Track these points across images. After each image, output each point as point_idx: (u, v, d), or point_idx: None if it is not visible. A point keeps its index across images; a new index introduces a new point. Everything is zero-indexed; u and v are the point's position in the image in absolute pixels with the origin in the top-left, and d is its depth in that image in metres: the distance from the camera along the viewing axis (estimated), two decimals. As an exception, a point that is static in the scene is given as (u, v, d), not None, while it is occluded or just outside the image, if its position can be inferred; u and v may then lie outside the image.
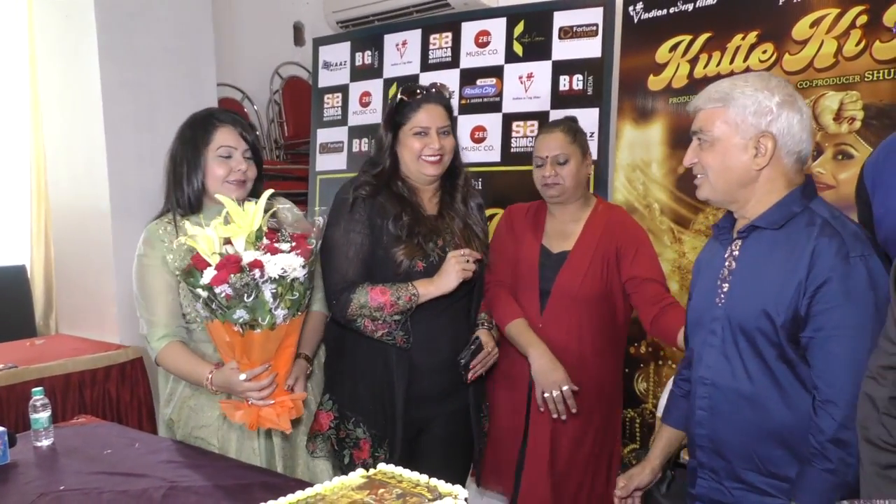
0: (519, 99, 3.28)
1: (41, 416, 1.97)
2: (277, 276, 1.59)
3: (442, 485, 1.30)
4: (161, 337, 1.88)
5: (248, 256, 1.59)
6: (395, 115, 2.05)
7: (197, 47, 3.53)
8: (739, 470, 1.47)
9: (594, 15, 3.13)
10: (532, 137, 3.20)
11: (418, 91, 2.04)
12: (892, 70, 2.37)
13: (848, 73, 2.45)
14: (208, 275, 1.58)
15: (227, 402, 1.81)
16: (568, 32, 3.19)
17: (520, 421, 2.33)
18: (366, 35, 3.80)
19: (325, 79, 3.87)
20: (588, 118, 3.05)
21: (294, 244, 1.67)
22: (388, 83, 3.64)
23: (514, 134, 3.28)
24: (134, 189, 3.27)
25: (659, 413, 2.05)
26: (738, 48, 2.66)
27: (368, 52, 3.72)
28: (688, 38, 2.79)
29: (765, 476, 1.44)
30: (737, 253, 1.48)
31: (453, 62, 3.44)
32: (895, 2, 2.36)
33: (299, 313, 1.71)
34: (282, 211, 1.95)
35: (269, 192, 1.71)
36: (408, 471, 1.38)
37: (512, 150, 3.28)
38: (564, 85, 3.18)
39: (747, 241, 1.46)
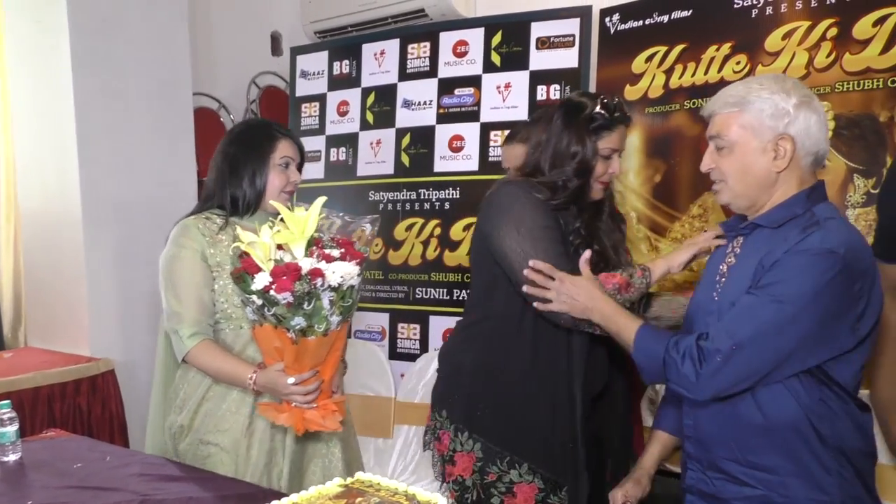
0: (497, 108, 3.29)
1: (8, 430, 1.91)
2: (336, 285, 1.60)
3: (421, 492, 1.29)
4: (193, 334, 1.82)
5: (305, 264, 1.59)
6: (588, 125, 1.77)
7: (173, 55, 3.49)
8: (719, 460, 1.46)
9: (571, 26, 3.15)
10: (510, 147, 3.21)
11: (616, 109, 1.79)
12: (862, 81, 2.42)
13: (819, 84, 2.49)
14: (261, 280, 1.58)
15: (268, 404, 1.78)
16: (545, 43, 3.21)
17: None
18: (344, 44, 3.80)
19: (303, 88, 3.86)
20: (565, 128, 3.07)
21: (343, 250, 1.66)
22: (365, 92, 3.64)
23: (491, 143, 3.29)
24: (107, 197, 3.22)
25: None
26: (712, 59, 2.70)
27: (346, 62, 3.72)
28: (663, 49, 2.83)
29: (743, 466, 1.43)
30: (738, 250, 1.49)
31: (431, 72, 3.45)
32: (864, 15, 2.41)
33: (348, 319, 1.72)
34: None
35: (323, 199, 1.68)
36: (386, 479, 1.36)
37: (490, 159, 3.29)
38: (542, 94, 3.20)
39: (748, 238, 1.46)
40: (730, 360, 1.32)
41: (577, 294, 1.58)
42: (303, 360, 1.68)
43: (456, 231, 3.33)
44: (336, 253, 1.65)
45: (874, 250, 1.50)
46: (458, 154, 3.37)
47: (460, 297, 3.27)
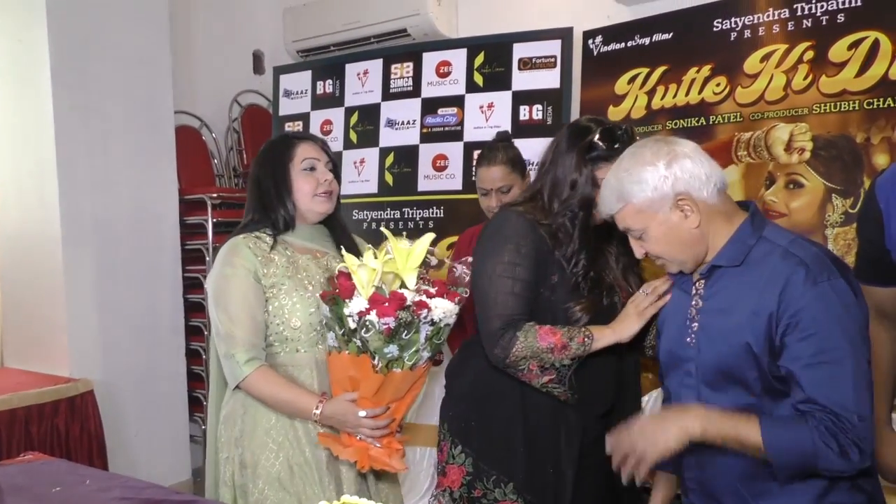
0: (480, 128, 3.32)
1: (-15, 453, 1.88)
2: (438, 320, 1.57)
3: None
4: (250, 360, 1.72)
5: (409, 296, 1.56)
6: (586, 154, 1.69)
7: (154, 74, 3.49)
8: None
9: (553, 47, 3.20)
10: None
11: (618, 140, 1.69)
12: (838, 103, 2.47)
13: (797, 106, 2.54)
14: (357, 304, 1.54)
15: (328, 435, 1.70)
16: (527, 63, 3.25)
17: None
18: (327, 64, 3.81)
19: (286, 107, 3.86)
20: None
21: (437, 289, 1.62)
22: (349, 112, 3.65)
23: (475, 162, 3.30)
24: (87, 216, 3.19)
25: None
26: (693, 81, 2.74)
27: (329, 81, 3.73)
28: (645, 70, 2.88)
29: None
30: (702, 292, 1.45)
31: (414, 91, 3.47)
32: (839, 38, 2.47)
33: (434, 357, 1.67)
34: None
35: (431, 235, 1.64)
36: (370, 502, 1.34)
37: (473, 178, 3.29)
38: (524, 114, 3.23)
39: (710, 280, 1.44)
40: (866, 430, 1.29)
41: (642, 440, 1.41)
42: (383, 394, 1.61)
43: (440, 250, 3.32)
44: (433, 290, 1.61)
45: (856, 272, 1.51)
46: (441, 173, 3.38)
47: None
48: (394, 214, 3.43)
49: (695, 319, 1.45)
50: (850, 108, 2.44)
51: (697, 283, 1.47)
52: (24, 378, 3.04)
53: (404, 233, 1.70)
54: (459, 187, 3.33)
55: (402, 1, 3.61)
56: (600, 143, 1.68)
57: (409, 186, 3.44)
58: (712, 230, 1.40)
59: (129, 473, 2.65)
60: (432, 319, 1.56)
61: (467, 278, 1.69)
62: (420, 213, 3.41)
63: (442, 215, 3.36)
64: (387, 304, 1.53)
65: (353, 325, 1.54)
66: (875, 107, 2.40)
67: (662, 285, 1.60)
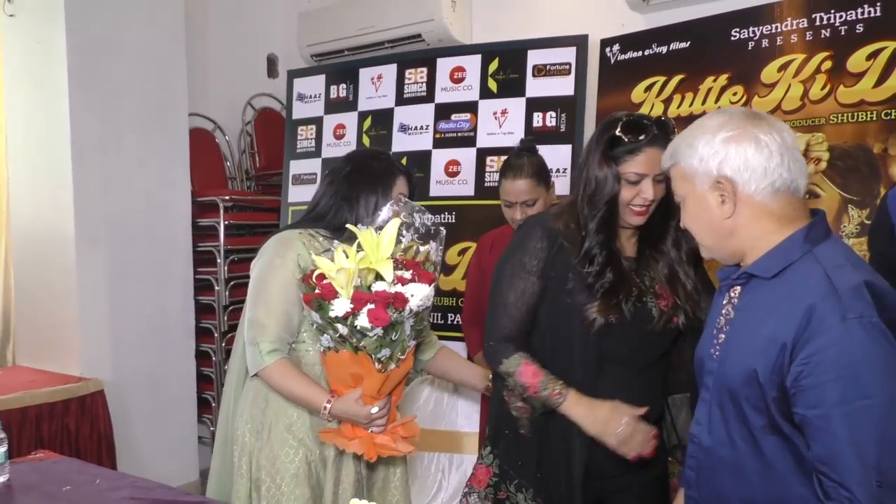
0: (493, 134, 3.31)
1: (-4, 451, 1.88)
2: (417, 307, 1.56)
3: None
4: (273, 350, 1.74)
5: (388, 288, 1.55)
6: (609, 150, 1.63)
7: (169, 76, 3.51)
8: None
9: (567, 54, 3.19)
10: (506, 173, 3.23)
11: (644, 130, 1.61)
12: (856, 113, 2.45)
13: (814, 116, 2.53)
14: (340, 306, 1.53)
15: (330, 430, 1.71)
16: (541, 70, 3.25)
17: None
18: (341, 68, 3.82)
19: (300, 111, 3.87)
20: (561, 154, 3.09)
21: (411, 272, 1.61)
22: (362, 116, 3.65)
23: (487, 168, 3.31)
24: (101, 216, 3.21)
25: None
26: (709, 90, 2.73)
27: (343, 85, 3.73)
28: (662, 79, 2.88)
29: None
30: (735, 300, 1.32)
31: (428, 97, 3.47)
32: (858, 49, 2.46)
33: (419, 340, 1.70)
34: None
35: (398, 221, 1.64)
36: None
37: (486, 184, 3.30)
38: (538, 121, 3.23)
39: (745, 287, 1.31)
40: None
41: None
42: (385, 389, 1.63)
43: (451, 255, 3.33)
44: (408, 275, 1.60)
45: None
46: (454, 179, 3.38)
47: (455, 322, 3.26)
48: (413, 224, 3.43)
49: (722, 330, 1.33)
50: (868, 119, 2.43)
51: (732, 290, 1.34)
52: (36, 377, 3.06)
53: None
54: (472, 193, 3.33)
55: (416, 6, 3.62)
56: (623, 137, 1.60)
57: (421, 191, 3.43)
58: (756, 231, 1.25)
59: (137, 473, 2.65)
60: (411, 309, 1.56)
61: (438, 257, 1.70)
62: (432, 219, 3.40)
63: (454, 221, 3.36)
64: (372, 303, 1.52)
65: (344, 331, 1.55)
66: (893, 117, 2.38)
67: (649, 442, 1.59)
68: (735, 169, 1.23)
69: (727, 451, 1.28)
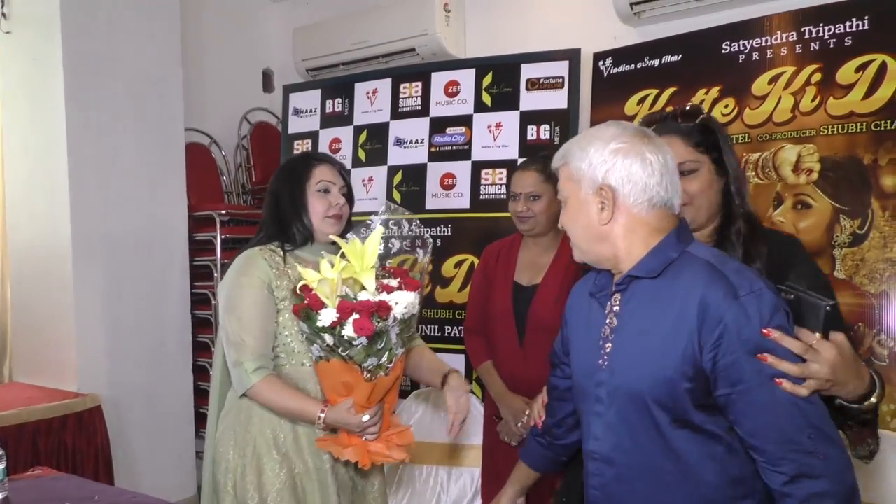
0: (488, 147, 3.34)
1: (-5, 468, 1.88)
2: (402, 315, 1.58)
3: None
4: (258, 368, 1.76)
5: (372, 297, 1.57)
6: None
7: (165, 91, 3.53)
8: None
9: (560, 68, 3.22)
10: (501, 185, 3.26)
11: (664, 119, 1.56)
12: (846, 125, 2.49)
13: (805, 128, 2.56)
14: (327, 316, 1.55)
15: (327, 438, 1.74)
16: (535, 84, 3.28)
17: None
18: (336, 83, 3.84)
19: (295, 125, 3.89)
20: (556, 167, 3.12)
21: (399, 279, 1.64)
22: (358, 130, 3.67)
23: (483, 181, 3.33)
24: (97, 231, 3.22)
25: None
26: (701, 102, 2.76)
27: (339, 100, 3.76)
28: (654, 91, 2.91)
29: None
30: (617, 308, 1.34)
31: (423, 111, 3.50)
32: (847, 61, 2.49)
33: (408, 346, 1.71)
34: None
35: (381, 229, 1.66)
36: None
37: (481, 196, 3.32)
38: (532, 134, 3.25)
39: (626, 294, 1.33)
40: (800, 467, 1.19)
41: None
42: (376, 396, 1.65)
43: (447, 268, 3.35)
44: (394, 283, 1.63)
45: None
46: (449, 192, 3.40)
47: (452, 334, 3.27)
48: (401, 232, 3.44)
49: (608, 339, 1.35)
50: (858, 130, 2.46)
51: (613, 298, 1.36)
52: (33, 393, 3.05)
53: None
54: (467, 206, 3.35)
55: (410, 21, 3.65)
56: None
57: (416, 205, 3.45)
58: (630, 239, 1.30)
59: (134, 489, 2.65)
60: (395, 317, 1.58)
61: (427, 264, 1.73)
62: (428, 232, 3.40)
63: (450, 233, 3.38)
64: (357, 313, 1.54)
65: (330, 342, 1.57)
66: (882, 129, 2.41)
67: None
68: (619, 179, 1.28)
69: (636, 457, 1.30)
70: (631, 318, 1.32)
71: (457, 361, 3.14)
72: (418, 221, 1.80)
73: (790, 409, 1.17)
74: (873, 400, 1.25)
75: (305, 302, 1.62)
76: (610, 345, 1.34)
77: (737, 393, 1.19)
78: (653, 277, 1.29)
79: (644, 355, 1.27)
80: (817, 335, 1.20)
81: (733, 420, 1.22)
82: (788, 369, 1.17)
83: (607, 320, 1.35)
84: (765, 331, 1.18)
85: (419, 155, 3.48)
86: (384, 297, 1.59)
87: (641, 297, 1.31)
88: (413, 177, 3.49)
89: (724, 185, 1.51)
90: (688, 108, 1.56)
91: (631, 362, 1.30)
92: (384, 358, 1.61)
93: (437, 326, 3.34)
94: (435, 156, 3.44)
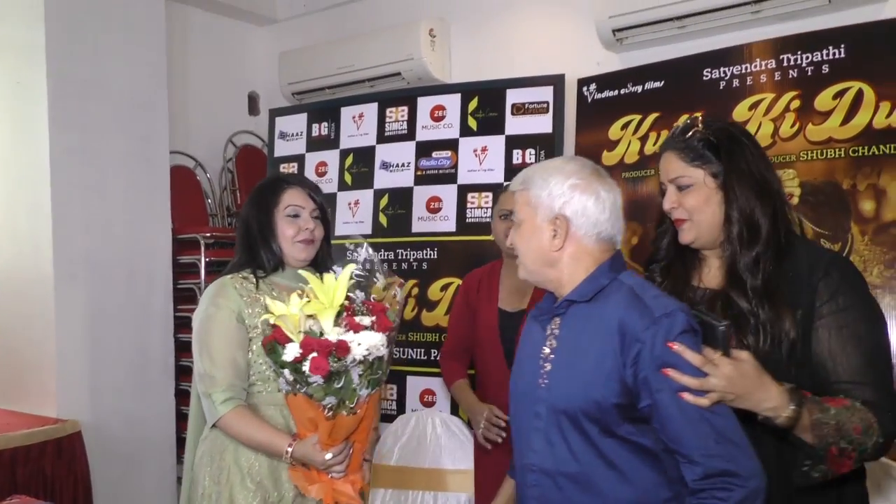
0: (473, 171, 3.37)
1: (-26, 497, 1.84)
2: (362, 358, 1.55)
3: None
4: (226, 399, 1.76)
5: (332, 335, 1.55)
6: None
7: (150, 115, 3.51)
8: None
9: (545, 93, 3.26)
10: (487, 208, 3.27)
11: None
12: (825, 150, 2.53)
13: (785, 153, 2.60)
14: (291, 351, 1.53)
15: (298, 471, 1.72)
16: (520, 109, 3.31)
17: None
18: (323, 107, 3.86)
19: (281, 148, 3.90)
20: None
21: (374, 318, 1.60)
22: (344, 154, 3.69)
23: (469, 204, 3.35)
24: (80, 255, 3.18)
25: None
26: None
27: (325, 124, 3.78)
28: (638, 117, 2.95)
29: None
30: (557, 331, 1.46)
31: (409, 135, 3.52)
32: (825, 88, 2.55)
33: (377, 390, 1.66)
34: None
35: (352, 266, 1.62)
36: None
37: (467, 220, 3.34)
38: (517, 158, 3.28)
39: (565, 317, 1.45)
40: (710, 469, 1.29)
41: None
42: (337, 435, 1.63)
43: (434, 291, 3.35)
44: (367, 321, 1.60)
45: None
46: (435, 215, 3.41)
47: (437, 358, 3.26)
48: (388, 255, 3.45)
49: (548, 359, 1.45)
50: (837, 156, 2.51)
51: (553, 322, 1.48)
52: (11, 419, 2.99)
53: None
54: (453, 229, 3.36)
55: (396, 45, 3.68)
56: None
57: (403, 228, 3.47)
58: (575, 267, 1.43)
59: (115, 517, 2.61)
60: (355, 359, 1.54)
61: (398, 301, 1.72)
62: (414, 255, 3.42)
63: (435, 257, 3.38)
64: (316, 352, 1.52)
65: (290, 377, 1.55)
66: (860, 154, 2.46)
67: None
68: (574, 212, 1.41)
69: (574, 466, 1.39)
70: (567, 339, 1.44)
71: (440, 385, 3.13)
72: (386, 268, 1.78)
73: (696, 418, 1.29)
74: (787, 414, 1.30)
75: (272, 335, 1.60)
76: (549, 365, 1.45)
77: (653, 404, 1.31)
78: (586, 301, 1.41)
79: (579, 374, 1.39)
80: (718, 353, 1.30)
81: (657, 428, 1.33)
82: (689, 382, 1.28)
83: (547, 342, 1.47)
84: (669, 343, 1.30)
85: (405, 178, 3.50)
86: (348, 336, 1.56)
87: (577, 320, 1.43)
88: (399, 200, 3.50)
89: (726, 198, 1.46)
90: (685, 123, 1.58)
91: (568, 381, 1.40)
92: (346, 398, 1.58)
93: (423, 350, 3.34)
94: (421, 179, 3.46)
